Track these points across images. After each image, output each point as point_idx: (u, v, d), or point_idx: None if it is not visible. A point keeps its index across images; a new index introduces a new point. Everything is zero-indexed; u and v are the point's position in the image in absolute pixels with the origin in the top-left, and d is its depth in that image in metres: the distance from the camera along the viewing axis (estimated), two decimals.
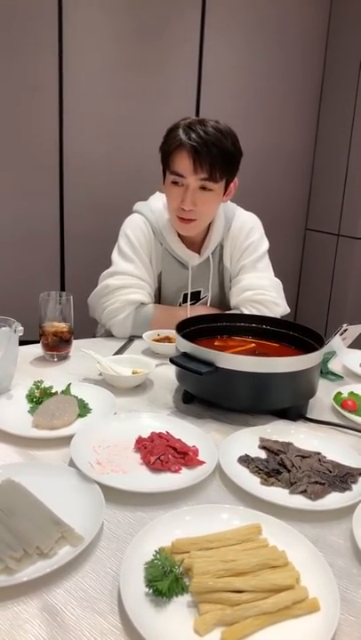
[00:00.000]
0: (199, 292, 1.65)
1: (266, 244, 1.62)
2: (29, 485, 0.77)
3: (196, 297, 1.65)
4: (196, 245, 1.59)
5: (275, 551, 0.67)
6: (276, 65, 3.18)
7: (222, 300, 1.67)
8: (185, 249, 1.56)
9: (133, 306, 1.51)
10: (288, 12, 3.13)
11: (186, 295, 1.63)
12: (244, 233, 1.59)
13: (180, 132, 1.36)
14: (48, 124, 2.84)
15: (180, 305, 1.65)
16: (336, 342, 1.32)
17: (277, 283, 1.61)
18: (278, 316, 1.55)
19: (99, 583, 0.64)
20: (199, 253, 1.58)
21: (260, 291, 1.54)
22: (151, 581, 0.61)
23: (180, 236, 1.55)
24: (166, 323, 1.47)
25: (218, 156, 1.34)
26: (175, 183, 1.40)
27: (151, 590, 0.61)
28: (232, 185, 1.47)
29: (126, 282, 1.51)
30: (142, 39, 2.89)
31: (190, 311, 1.55)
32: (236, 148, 1.40)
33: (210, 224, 1.56)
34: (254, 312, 1.52)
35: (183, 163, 1.36)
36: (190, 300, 1.63)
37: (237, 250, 1.59)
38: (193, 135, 1.33)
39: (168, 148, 1.39)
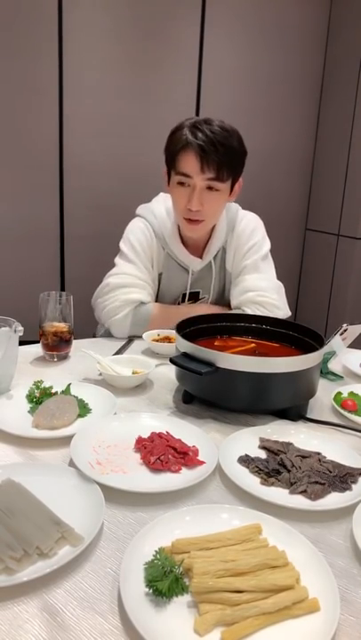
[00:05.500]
0: (198, 292, 1.65)
1: (268, 245, 1.61)
2: (29, 485, 0.77)
3: (194, 297, 1.64)
4: (198, 249, 1.57)
5: (275, 551, 0.67)
6: (276, 64, 3.18)
7: (222, 302, 1.66)
8: (188, 254, 1.55)
9: (133, 305, 1.50)
10: (288, 12, 3.13)
11: (184, 295, 1.62)
12: (246, 234, 1.57)
13: (186, 131, 1.33)
14: (48, 124, 2.84)
15: (178, 304, 1.64)
16: (336, 342, 1.32)
17: (279, 285, 1.59)
18: None
19: (99, 583, 0.64)
20: (201, 257, 1.57)
21: (262, 292, 1.53)
22: (151, 581, 0.61)
23: (182, 239, 1.54)
24: (166, 321, 1.47)
25: (225, 155, 1.32)
26: (181, 184, 1.38)
27: (151, 590, 0.61)
28: (237, 185, 1.45)
29: (127, 281, 1.50)
30: (142, 39, 2.89)
31: (191, 310, 1.54)
32: (242, 147, 1.38)
33: (213, 227, 1.54)
34: (257, 313, 1.51)
35: (190, 163, 1.33)
36: (188, 300, 1.62)
37: (240, 251, 1.58)
38: (199, 134, 1.31)
39: (174, 149, 1.36)
